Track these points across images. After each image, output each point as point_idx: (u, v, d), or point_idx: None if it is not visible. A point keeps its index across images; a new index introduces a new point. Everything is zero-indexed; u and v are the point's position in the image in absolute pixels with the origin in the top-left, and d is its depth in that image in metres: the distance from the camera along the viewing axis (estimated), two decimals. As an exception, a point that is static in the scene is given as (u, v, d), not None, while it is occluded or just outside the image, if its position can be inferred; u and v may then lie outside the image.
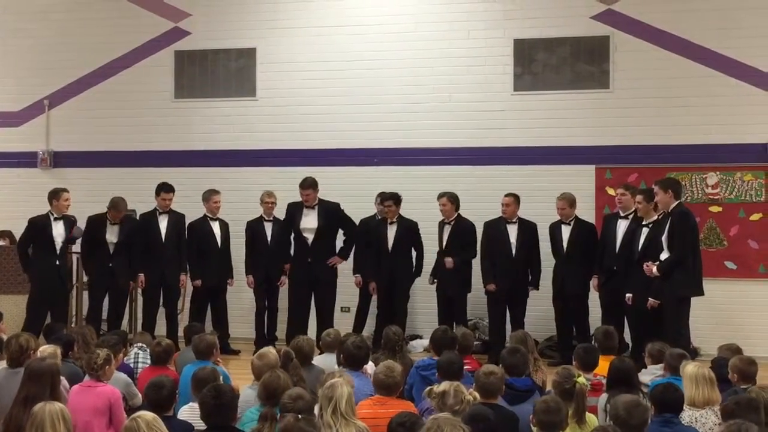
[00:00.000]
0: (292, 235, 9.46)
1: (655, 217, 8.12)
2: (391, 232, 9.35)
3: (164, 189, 9.46)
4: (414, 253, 9.52)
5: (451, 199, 9.31)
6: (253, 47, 10.85)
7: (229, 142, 10.83)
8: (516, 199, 9.16)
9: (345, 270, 9.53)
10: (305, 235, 9.25)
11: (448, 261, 9.15)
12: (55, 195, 9.04)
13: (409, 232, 9.39)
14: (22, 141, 11.29)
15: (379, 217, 9.57)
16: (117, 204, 9.17)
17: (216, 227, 9.59)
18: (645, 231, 8.20)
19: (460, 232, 9.28)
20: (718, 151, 9.74)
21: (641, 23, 9.98)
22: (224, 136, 10.85)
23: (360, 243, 9.49)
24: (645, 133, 9.89)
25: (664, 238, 7.71)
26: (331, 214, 9.28)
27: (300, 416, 4.16)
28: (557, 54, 10.21)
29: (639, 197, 8.33)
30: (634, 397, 4.46)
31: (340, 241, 9.56)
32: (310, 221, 9.23)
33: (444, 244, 9.32)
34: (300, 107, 10.65)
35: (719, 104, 9.77)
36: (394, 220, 9.34)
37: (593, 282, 8.87)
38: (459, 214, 9.35)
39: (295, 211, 9.31)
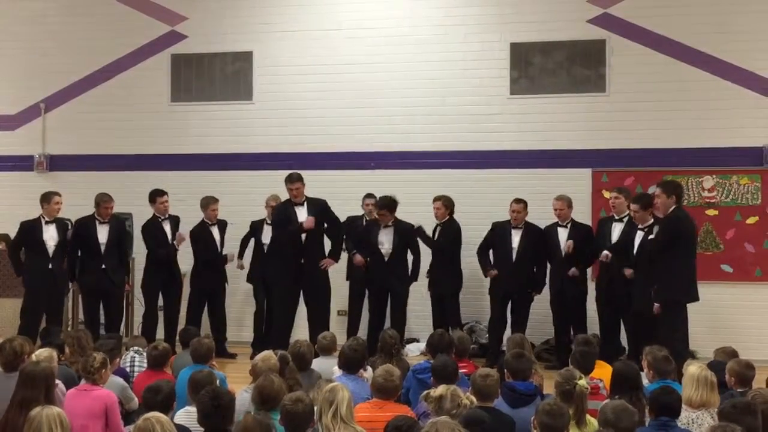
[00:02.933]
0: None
1: (651, 221, 8.12)
2: (387, 236, 9.19)
3: (158, 194, 9.45)
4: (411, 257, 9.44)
5: (446, 204, 9.35)
6: (249, 51, 10.85)
7: (225, 145, 10.83)
8: (526, 205, 9.18)
9: (344, 272, 9.51)
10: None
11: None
12: (45, 199, 8.99)
13: (406, 236, 9.27)
14: (19, 145, 11.29)
15: (368, 218, 9.52)
16: (102, 197, 9.10)
17: (215, 232, 9.58)
18: (640, 234, 8.21)
19: (447, 231, 9.33)
20: (714, 154, 9.75)
21: (637, 27, 9.99)
22: (221, 139, 10.84)
23: (349, 242, 9.43)
24: (641, 136, 9.91)
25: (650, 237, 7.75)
26: (320, 209, 8.93)
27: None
28: (553, 57, 10.22)
29: (634, 206, 8.25)
30: (621, 402, 4.46)
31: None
32: (303, 218, 8.86)
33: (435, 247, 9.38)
34: (296, 110, 10.65)
35: (715, 108, 9.79)
36: (390, 224, 9.20)
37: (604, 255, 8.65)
38: (451, 217, 9.36)
39: (287, 210, 8.95)
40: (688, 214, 7.90)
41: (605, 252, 8.43)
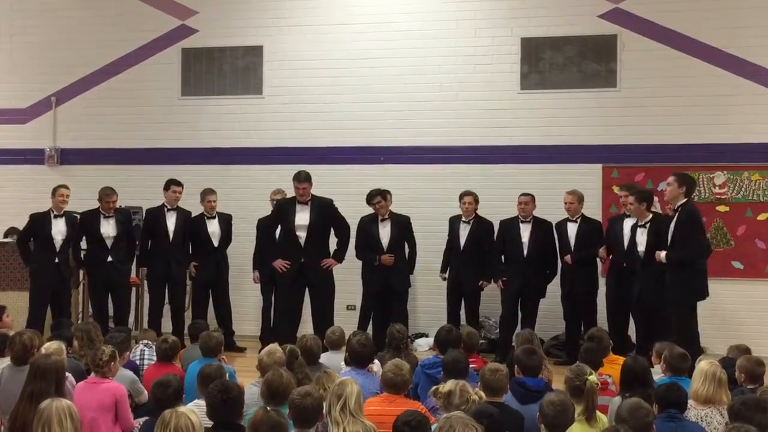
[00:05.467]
0: (278, 233, 9.12)
1: (650, 217, 8.20)
2: (384, 230, 9.18)
3: (174, 182, 9.48)
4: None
5: (477, 199, 9.31)
6: (259, 45, 10.85)
7: (235, 139, 10.84)
8: (533, 198, 9.16)
9: (353, 268, 9.50)
10: (298, 233, 8.75)
11: (485, 284, 9.27)
12: (52, 192, 9.06)
13: (403, 227, 9.24)
14: (30, 138, 11.33)
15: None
16: (105, 191, 9.12)
17: (214, 225, 9.59)
18: (641, 231, 8.24)
19: (480, 231, 9.27)
20: (725, 150, 9.72)
21: (648, 22, 9.96)
22: (231, 133, 10.86)
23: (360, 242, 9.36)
24: (652, 132, 9.87)
25: (669, 234, 7.68)
26: (325, 210, 8.84)
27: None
28: (564, 53, 10.19)
29: (630, 198, 8.35)
30: (637, 400, 4.45)
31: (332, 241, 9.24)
32: (302, 218, 8.77)
33: (462, 244, 9.27)
34: (306, 105, 10.66)
35: (727, 103, 9.74)
36: (386, 216, 9.20)
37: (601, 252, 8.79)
38: (477, 213, 9.34)
39: (287, 207, 8.89)
40: (698, 209, 7.88)
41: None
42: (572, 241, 9.03)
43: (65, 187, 9.10)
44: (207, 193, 9.62)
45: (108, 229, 9.12)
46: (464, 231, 9.30)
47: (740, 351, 6.29)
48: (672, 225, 7.63)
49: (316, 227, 8.78)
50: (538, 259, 9.12)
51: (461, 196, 9.32)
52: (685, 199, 7.62)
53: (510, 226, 9.22)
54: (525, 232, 9.12)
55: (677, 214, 7.61)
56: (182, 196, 9.55)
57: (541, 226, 9.17)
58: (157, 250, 9.44)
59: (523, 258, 9.08)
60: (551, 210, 9.29)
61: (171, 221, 9.40)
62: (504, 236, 9.25)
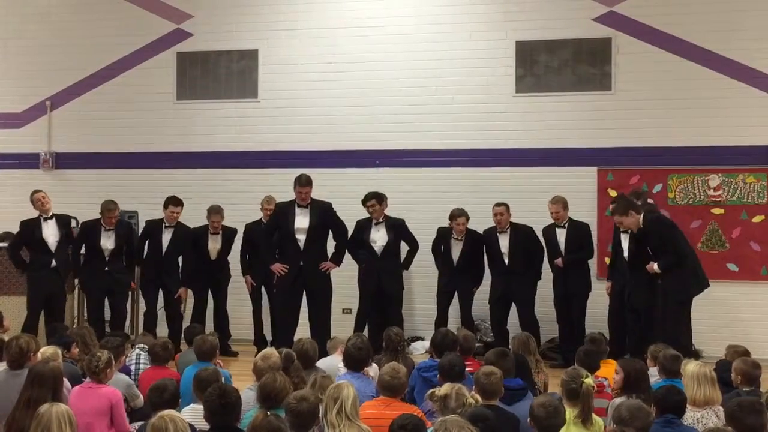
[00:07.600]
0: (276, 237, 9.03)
1: None
2: (379, 233, 9.14)
3: (172, 202, 9.38)
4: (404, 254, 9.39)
5: (468, 218, 9.24)
6: (254, 49, 10.85)
7: (230, 143, 10.84)
8: (507, 207, 9.16)
9: (349, 271, 9.49)
10: (297, 236, 8.68)
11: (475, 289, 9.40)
12: (30, 198, 9.03)
13: (399, 231, 9.20)
14: (24, 142, 11.31)
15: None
16: (107, 206, 9.08)
17: (215, 241, 9.60)
18: (624, 237, 8.40)
19: (472, 247, 9.27)
20: (720, 153, 9.74)
21: (643, 25, 9.98)
22: (226, 137, 10.85)
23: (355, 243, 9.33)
24: (647, 135, 9.89)
25: (649, 248, 7.82)
26: (324, 213, 8.80)
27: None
28: (559, 56, 10.21)
29: (615, 216, 8.42)
30: (637, 401, 4.45)
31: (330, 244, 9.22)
32: (302, 221, 8.71)
33: (456, 260, 9.26)
34: (302, 109, 10.66)
35: (721, 106, 9.77)
36: (380, 220, 9.17)
37: (606, 287, 8.85)
38: (467, 228, 9.30)
39: (287, 210, 8.81)
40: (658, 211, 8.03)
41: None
42: (562, 246, 9.07)
43: (39, 190, 9.10)
44: (212, 214, 9.58)
45: (107, 242, 9.10)
46: (456, 248, 9.29)
47: (738, 353, 6.29)
48: (647, 238, 7.80)
49: (315, 230, 8.74)
50: (520, 266, 9.11)
51: (454, 216, 9.21)
52: (641, 215, 7.81)
53: (490, 235, 9.23)
54: (504, 242, 9.12)
55: (645, 227, 7.77)
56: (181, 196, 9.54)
57: (520, 233, 9.15)
58: (150, 260, 9.44)
59: (506, 267, 9.11)
60: (545, 213, 9.26)
61: (166, 237, 9.37)
62: (487, 245, 9.30)
